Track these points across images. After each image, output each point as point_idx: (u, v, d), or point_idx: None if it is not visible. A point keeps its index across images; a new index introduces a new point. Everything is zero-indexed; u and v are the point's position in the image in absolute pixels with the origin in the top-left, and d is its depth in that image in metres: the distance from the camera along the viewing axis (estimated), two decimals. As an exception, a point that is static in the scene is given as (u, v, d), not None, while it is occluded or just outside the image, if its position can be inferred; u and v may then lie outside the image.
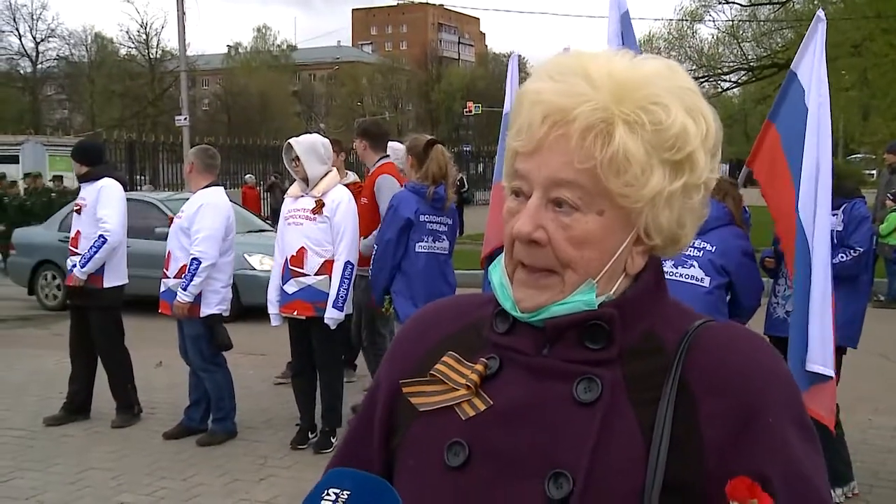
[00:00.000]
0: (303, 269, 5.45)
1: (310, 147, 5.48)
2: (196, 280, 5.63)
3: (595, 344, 0.99)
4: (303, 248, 5.45)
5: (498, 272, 1.05)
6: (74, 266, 6.09)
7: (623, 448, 0.94)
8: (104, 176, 6.24)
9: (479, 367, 1.02)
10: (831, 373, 3.94)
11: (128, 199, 11.55)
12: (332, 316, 5.38)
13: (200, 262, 5.63)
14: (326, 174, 5.51)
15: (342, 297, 5.38)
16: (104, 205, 6.11)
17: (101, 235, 6.02)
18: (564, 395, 0.98)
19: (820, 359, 3.92)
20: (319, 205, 5.43)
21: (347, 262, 5.41)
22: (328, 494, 0.92)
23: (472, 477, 0.99)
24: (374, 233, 5.81)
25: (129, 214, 10.93)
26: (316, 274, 5.42)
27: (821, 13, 4.27)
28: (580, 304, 0.98)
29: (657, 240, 1.01)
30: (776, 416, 0.96)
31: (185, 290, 5.63)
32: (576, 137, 0.94)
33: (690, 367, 0.97)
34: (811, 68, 4.11)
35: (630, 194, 0.96)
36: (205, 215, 5.71)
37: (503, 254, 1.04)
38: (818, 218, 3.92)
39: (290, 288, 5.49)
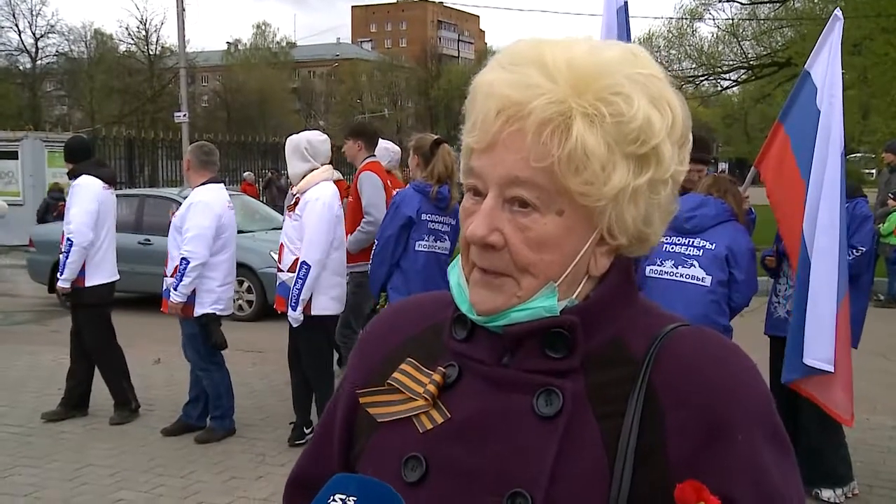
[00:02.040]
0: (281, 264, 5.54)
1: (294, 146, 5.50)
2: (186, 280, 5.60)
3: (556, 353, 0.94)
4: (282, 244, 5.55)
5: (455, 273, 1.00)
6: (60, 268, 6.05)
7: (585, 465, 0.90)
8: (83, 173, 6.16)
9: (437, 376, 0.98)
10: (829, 368, 3.94)
11: (146, 196, 11.72)
12: (290, 315, 5.38)
13: (189, 262, 5.59)
14: (310, 172, 5.47)
15: (294, 297, 5.31)
16: (72, 203, 6.05)
17: (67, 239, 5.94)
18: (524, 408, 0.93)
19: (814, 353, 3.94)
20: (295, 202, 5.45)
21: (303, 263, 5.31)
22: (333, 500, 0.90)
23: (428, 494, 0.94)
24: (357, 230, 5.96)
25: (149, 211, 11.11)
26: (288, 270, 5.45)
27: (838, 12, 4.25)
28: (541, 310, 0.93)
29: (622, 239, 0.94)
30: (747, 431, 0.90)
31: (175, 289, 5.63)
32: (531, 133, 0.88)
33: (658, 377, 0.92)
34: (825, 67, 4.09)
35: (590, 193, 0.89)
36: (194, 214, 5.68)
37: (460, 254, 0.99)
38: (825, 218, 3.91)
39: (276, 282, 5.65)
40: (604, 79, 0.90)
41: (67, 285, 5.99)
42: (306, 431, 5.68)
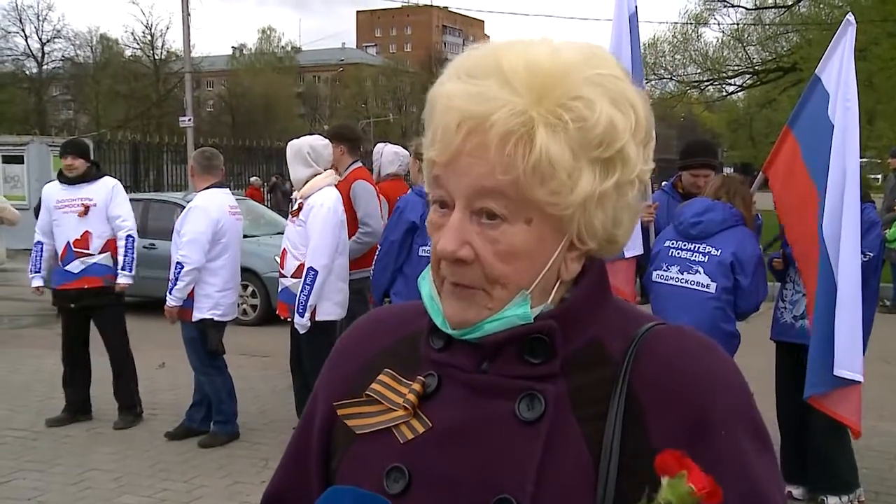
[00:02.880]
0: (284, 270, 5.51)
1: (295, 151, 5.48)
2: (180, 284, 5.63)
3: (536, 358, 0.93)
4: (285, 249, 5.52)
5: (427, 284, 0.99)
6: (87, 268, 6.06)
7: (570, 468, 0.89)
8: (104, 175, 6.29)
9: (416, 385, 0.96)
10: (860, 377, 3.94)
11: (152, 200, 11.76)
12: (297, 321, 5.32)
13: (183, 266, 5.63)
14: (314, 176, 5.44)
15: (302, 302, 5.27)
16: (121, 203, 6.17)
17: (129, 236, 6.11)
18: (507, 414, 0.92)
19: (847, 364, 3.91)
20: (299, 207, 5.42)
21: (310, 268, 5.27)
22: None
23: None
24: (353, 240, 5.77)
25: (154, 216, 11.16)
26: (292, 276, 5.42)
27: (850, 17, 4.21)
28: (514, 318, 0.92)
29: (592, 244, 0.94)
30: (728, 427, 0.90)
31: (170, 293, 5.66)
32: (495, 145, 0.87)
33: (638, 377, 0.92)
34: (838, 73, 4.06)
35: (558, 202, 0.89)
36: (190, 219, 5.72)
37: (430, 265, 0.98)
38: (849, 227, 3.90)
39: (279, 288, 5.61)
40: (563, 84, 0.88)
41: (131, 280, 6.15)
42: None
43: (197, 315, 5.74)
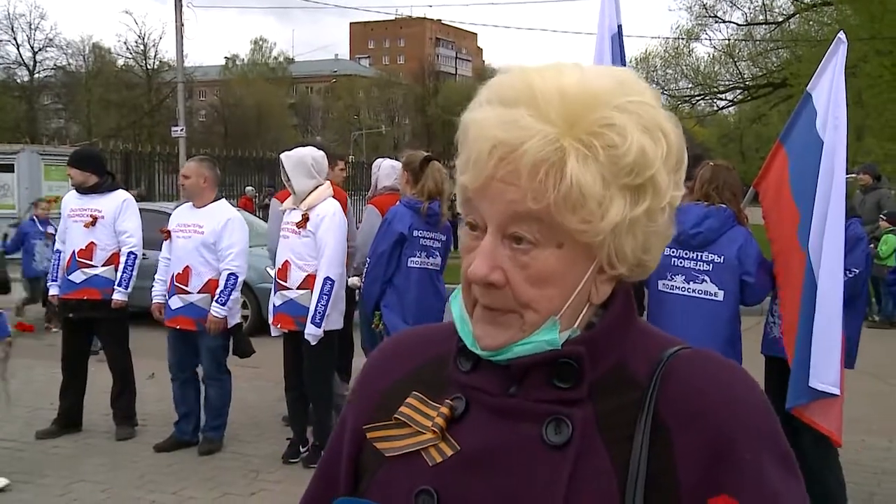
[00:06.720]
0: (286, 282, 5.49)
1: (298, 161, 5.48)
2: (234, 294, 5.78)
3: (564, 382, 0.94)
4: (287, 261, 5.50)
5: (458, 304, 0.99)
6: (88, 279, 6.06)
7: (597, 492, 0.90)
8: (118, 188, 6.30)
9: (444, 409, 0.97)
10: (836, 391, 3.95)
11: (142, 210, 11.70)
12: (310, 332, 5.33)
13: (238, 277, 5.79)
14: (316, 188, 5.48)
15: (320, 312, 5.30)
16: (129, 219, 6.18)
17: (131, 253, 6.12)
18: (534, 438, 0.93)
19: (823, 376, 3.94)
20: (304, 219, 5.42)
21: (326, 278, 5.32)
22: None
23: None
24: None
25: (145, 226, 11.01)
26: (298, 288, 5.43)
27: (842, 35, 4.23)
28: (543, 343, 0.93)
29: (622, 269, 0.95)
30: (753, 450, 0.91)
31: (223, 304, 5.73)
32: (526, 173, 0.88)
33: (664, 400, 0.92)
34: (828, 90, 4.09)
35: (588, 229, 0.90)
36: (234, 230, 5.83)
37: (461, 285, 0.99)
38: (831, 241, 3.93)
39: (277, 300, 5.57)
40: (595, 111, 0.89)
41: (125, 297, 6.10)
42: (301, 449, 5.66)
43: (232, 321, 5.88)
